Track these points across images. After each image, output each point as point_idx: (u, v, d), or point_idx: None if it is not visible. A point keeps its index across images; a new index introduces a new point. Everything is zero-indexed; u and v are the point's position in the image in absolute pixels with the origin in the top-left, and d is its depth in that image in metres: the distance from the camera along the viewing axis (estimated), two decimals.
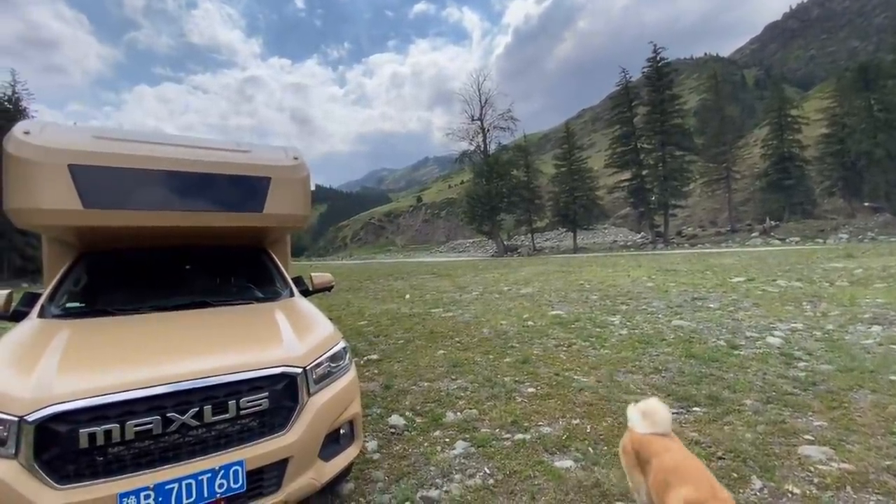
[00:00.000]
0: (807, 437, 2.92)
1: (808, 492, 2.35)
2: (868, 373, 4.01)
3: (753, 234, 35.42)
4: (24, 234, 36.64)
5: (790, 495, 2.33)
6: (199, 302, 2.93)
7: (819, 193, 42.86)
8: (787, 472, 2.53)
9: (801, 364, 4.36)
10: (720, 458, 2.72)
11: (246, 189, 3.06)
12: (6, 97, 39.21)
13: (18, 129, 2.62)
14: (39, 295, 2.79)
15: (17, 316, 2.70)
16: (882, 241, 26.05)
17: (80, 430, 1.59)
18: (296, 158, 3.38)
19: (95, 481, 1.59)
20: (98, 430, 1.61)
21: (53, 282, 2.84)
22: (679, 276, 12.55)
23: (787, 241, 30.92)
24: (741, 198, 50.88)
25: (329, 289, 3.93)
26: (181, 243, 3.30)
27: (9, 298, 2.72)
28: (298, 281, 3.73)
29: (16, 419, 1.58)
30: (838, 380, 3.87)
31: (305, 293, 3.61)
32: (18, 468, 1.54)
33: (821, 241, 29.31)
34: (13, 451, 1.56)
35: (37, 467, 1.55)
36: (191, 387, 1.79)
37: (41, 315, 2.58)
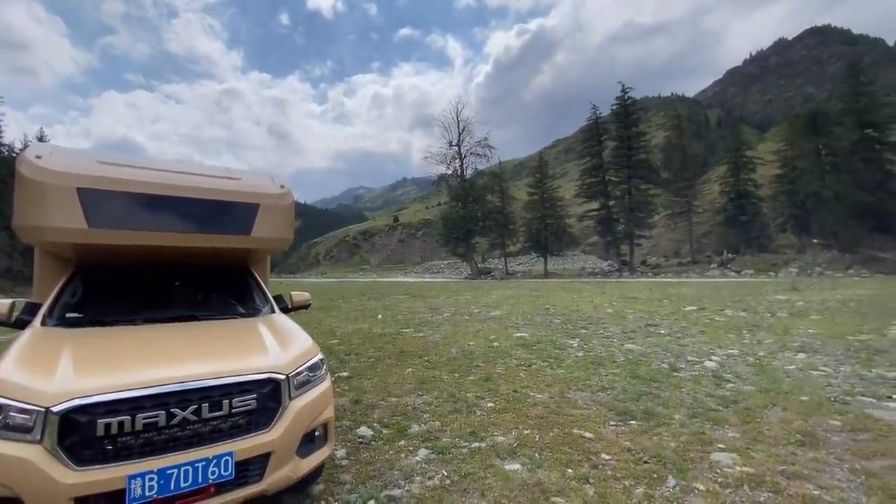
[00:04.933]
0: (720, 445, 3.40)
1: (711, 489, 2.80)
2: (783, 393, 4.58)
3: (712, 266, 37.29)
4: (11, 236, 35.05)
5: (697, 491, 2.78)
6: (188, 316, 3.21)
7: (773, 229, 45.62)
8: (698, 474, 2.99)
9: (729, 385, 4.91)
10: (645, 462, 3.15)
11: (237, 214, 3.39)
12: None
13: (30, 152, 2.91)
14: (39, 305, 3.02)
15: (20, 323, 2.92)
16: (828, 276, 27.98)
17: (98, 421, 1.89)
18: (282, 186, 3.74)
19: (108, 465, 1.88)
20: (113, 421, 1.91)
21: (53, 293, 3.07)
22: (638, 303, 13.30)
23: (743, 273, 32.74)
24: (703, 230, 53.53)
25: (307, 307, 4.24)
26: (173, 261, 3.58)
27: (11, 307, 2.94)
28: (279, 299, 4.03)
29: (42, 410, 1.86)
30: (756, 399, 4.42)
31: (285, 310, 3.91)
32: (43, 451, 1.82)
33: (773, 274, 31.17)
34: (38, 437, 1.84)
35: (59, 451, 1.83)
36: (192, 387, 2.11)
37: (43, 323, 2.82)
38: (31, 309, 3.02)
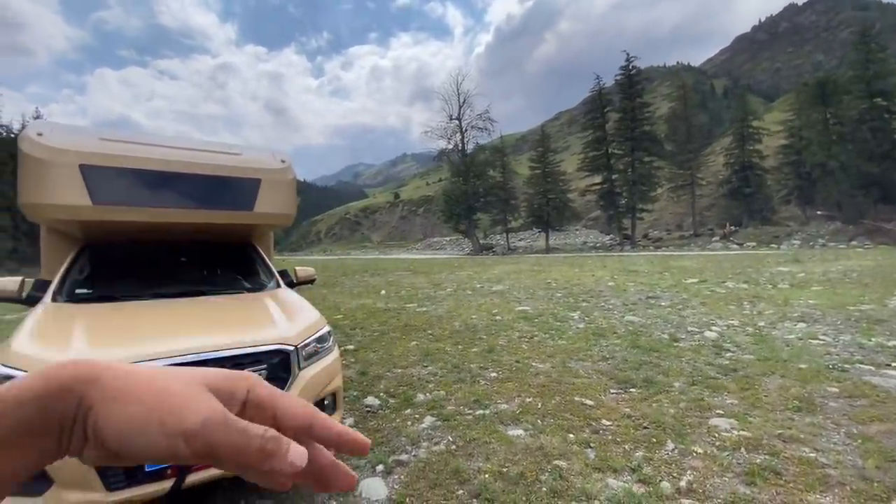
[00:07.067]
0: (718, 411, 3.49)
1: (709, 452, 2.89)
2: (782, 362, 4.65)
3: (715, 239, 37.20)
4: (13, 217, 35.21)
5: (695, 454, 2.87)
6: (195, 291, 3.25)
7: (777, 201, 45.21)
8: (696, 438, 3.08)
9: (728, 354, 4.99)
10: (645, 427, 3.24)
11: (238, 189, 3.39)
12: None
13: (31, 129, 2.89)
14: (49, 282, 3.07)
15: (31, 300, 2.97)
16: (830, 247, 27.91)
17: None
18: (283, 161, 3.72)
19: None
20: None
21: (62, 270, 3.12)
22: (639, 276, 13.35)
23: (745, 245, 32.68)
24: (706, 203, 53.17)
25: (312, 282, 4.28)
26: (177, 238, 3.60)
27: (22, 284, 2.99)
28: (284, 274, 4.07)
29: None
30: (755, 367, 4.50)
31: (290, 285, 3.96)
32: None
33: (775, 246, 31.11)
34: None
35: None
36: (205, 357, 2.16)
37: (54, 300, 2.87)
38: (41, 286, 3.07)
